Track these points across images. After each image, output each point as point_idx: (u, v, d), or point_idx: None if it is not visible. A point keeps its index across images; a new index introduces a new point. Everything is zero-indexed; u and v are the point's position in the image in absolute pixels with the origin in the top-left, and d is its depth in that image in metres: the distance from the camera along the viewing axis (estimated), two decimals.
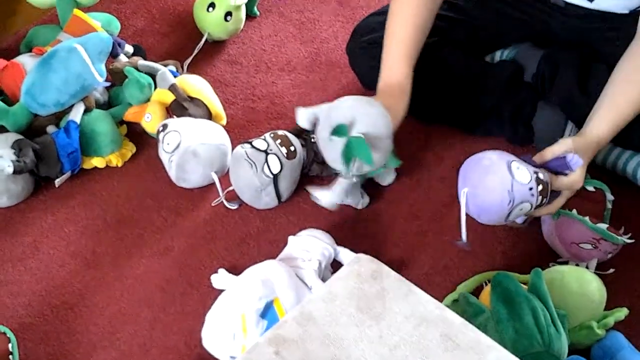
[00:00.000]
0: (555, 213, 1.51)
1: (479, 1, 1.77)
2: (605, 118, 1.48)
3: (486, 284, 1.47)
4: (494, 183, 1.39)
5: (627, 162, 1.67)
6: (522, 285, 1.32)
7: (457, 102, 1.75)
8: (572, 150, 1.43)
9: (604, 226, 1.50)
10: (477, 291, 1.46)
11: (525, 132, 1.71)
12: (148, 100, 1.76)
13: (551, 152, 1.45)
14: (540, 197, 1.41)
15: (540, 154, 1.46)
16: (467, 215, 1.43)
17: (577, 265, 1.52)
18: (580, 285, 1.40)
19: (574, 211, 1.51)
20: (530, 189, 1.39)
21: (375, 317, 1.04)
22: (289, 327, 1.03)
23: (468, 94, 1.74)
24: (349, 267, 1.10)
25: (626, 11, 1.63)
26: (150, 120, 1.71)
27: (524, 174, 1.39)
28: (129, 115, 1.75)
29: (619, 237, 1.50)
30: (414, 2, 1.60)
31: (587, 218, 1.50)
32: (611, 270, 1.53)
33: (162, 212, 1.67)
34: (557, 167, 1.45)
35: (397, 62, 1.59)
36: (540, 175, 1.41)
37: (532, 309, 1.27)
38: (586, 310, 1.39)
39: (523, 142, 1.74)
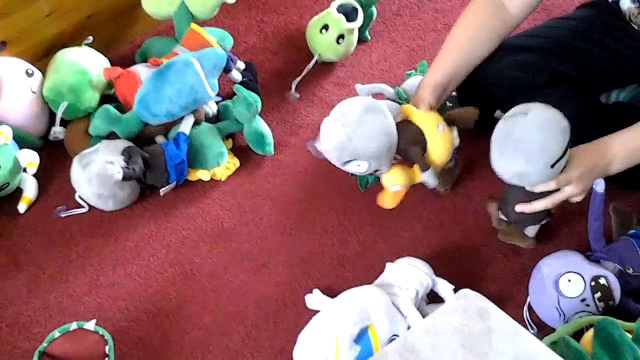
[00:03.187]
0: None
1: (586, 37, 1.73)
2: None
3: (587, 329, 1.43)
4: (542, 300, 1.50)
5: None
6: (626, 333, 1.27)
7: None
8: None
9: None
10: (576, 335, 1.42)
11: (636, 180, 1.65)
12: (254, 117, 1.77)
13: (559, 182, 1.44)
14: (600, 303, 1.46)
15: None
16: None
17: None
18: None
19: None
20: (583, 299, 1.45)
21: (480, 356, 1.02)
22: (391, 358, 1.02)
23: (577, 134, 1.70)
24: (455, 302, 1.09)
25: None
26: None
27: (575, 287, 1.46)
28: None
29: None
30: (481, 20, 1.60)
31: None
32: None
33: (261, 228, 1.68)
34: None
35: (437, 73, 1.60)
36: (602, 281, 1.45)
37: (635, 358, 1.22)
38: None
39: (632, 188, 1.69)
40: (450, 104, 1.78)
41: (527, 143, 1.35)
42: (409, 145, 1.51)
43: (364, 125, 1.42)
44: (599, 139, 1.48)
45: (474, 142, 1.62)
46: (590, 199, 1.48)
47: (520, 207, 1.49)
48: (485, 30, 1.64)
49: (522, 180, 1.42)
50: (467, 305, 1.07)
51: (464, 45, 1.63)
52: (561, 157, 1.37)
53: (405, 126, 1.52)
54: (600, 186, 1.45)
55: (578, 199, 1.48)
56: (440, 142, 1.54)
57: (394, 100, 1.76)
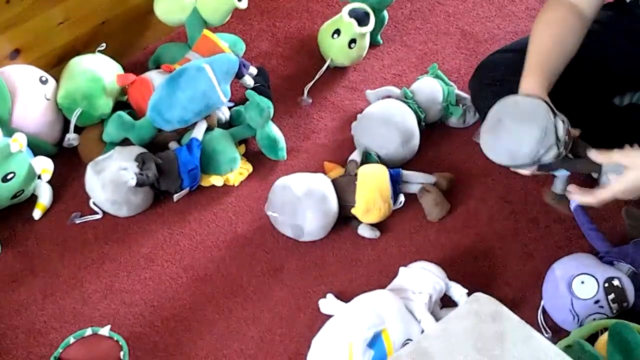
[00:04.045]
0: None
1: (603, 40, 1.72)
2: None
3: (602, 333, 1.43)
4: (556, 302, 1.49)
5: None
6: None
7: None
8: None
9: None
10: (591, 339, 1.41)
11: None
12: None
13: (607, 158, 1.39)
14: (614, 305, 1.45)
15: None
16: None
17: None
18: None
19: None
20: (597, 301, 1.44)
21: (493, 359, 1.01)
22: None
23: (589, 137, 1.69)
24: (468, 306, 1.09)
25: None
26: None
27: (588, 289, 1.45)
28: None
29: None
30: (562, 22, 1.57)
31: None
32: None
33: (275, 233, 1.68)
34: None
35: (536, 78, 1.52)
36: (615, 282, 1.45)
37: None
38: None
39: None
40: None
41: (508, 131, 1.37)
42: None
43: None
44: None
45: None
46: (574, 215, 1.54)
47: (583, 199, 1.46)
48: (566, 28, 1.61)
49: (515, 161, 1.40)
50: (479, 309, 1.07)
51: (553, 43, 1.57)
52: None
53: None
54: (572, 204, 1.52)
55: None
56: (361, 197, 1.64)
57: (401, 100, 1.78)
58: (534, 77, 1.51)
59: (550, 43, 1.56)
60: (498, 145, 1.39)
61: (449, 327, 1.07)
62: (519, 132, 1.36)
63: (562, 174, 1.47)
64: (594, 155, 1.40)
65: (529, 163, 1.38)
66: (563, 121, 1.38)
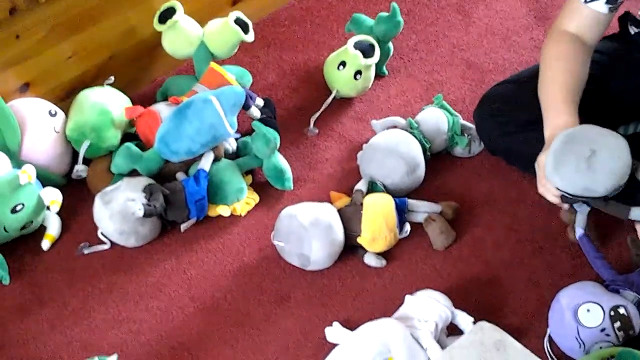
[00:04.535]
0: None
1: (608, 70, 1.73)
2: None
3: None
4: (562, 331, 1.49)
5: None
6: None
7: None
8: None
9: None
10: None
11: None
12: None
13: None
14: (620, 333, 1.45)
15: None
16: None
17: None
18: None
19: None
20: (603, 329, 1.44)
21: None
22: None
23: None
24: (472, 335, 1.09)
25: None
26: None
27: (594, 317, 1.45)
28: None
29: None
30: (570, 54, 1.59)
31: None
32: None
33: (281, 262, 1.69)
34: None
35: (565, 107, 1.54)
36: (621, 310, 1.45)
37: None
38: None
39: None
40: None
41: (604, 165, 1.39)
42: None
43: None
44: None
45: (496, 175, 1.60)
46: (579, 243, 1.55)
47: None
48: (576, 60, 1.61)
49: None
50: (483, 338, 1.08)
51: (569, 77, 1.59)
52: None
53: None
54: (578, 232, 1.53)
55: None
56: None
57: (407, 130, 1.79)
58: (563, 113, 1.53)
59: (564, 77, 1.58)
60: (578, 174, 1.40)
61: (454, 356, 1.07)
62: (607, 164, 1.39)
63: (584, 208, 1.51)
64: None
65: (600, 196, 1.41)
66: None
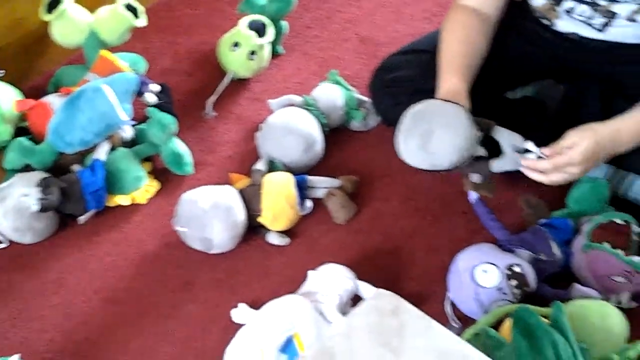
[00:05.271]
0: (586, 246, 1.54)
1: (503, 38, 1.77)
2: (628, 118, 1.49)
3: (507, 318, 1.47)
4: (461, 293, 1.53)
5: None
6: (543, 319, 1.31)
7: None
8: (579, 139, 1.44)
9: (637, 259, 1.52)
10: (498, 325, 1.45)
11: None
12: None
13: (559, 147, 1.46)
14: (517, 291, 1.49)
15: (553, 148, 1.47)
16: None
17: (608, 298, 1.52)
18: (601, 318, 1.41)
19: (606, 244, 1.53)
20: (500, 288, 1.48)
21: (394, 352, 1.04)
22: None
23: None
24: (369, 302, 1.11)
25: (639, 41, 1.63)
26: None
27: (490, 277, 1.49)
28: None
29: None
30: (468, 25, 1.62)
31: (619, 251, 1.52)
32: (633, 305, 1.51)
33: (185, 248, 1.68)
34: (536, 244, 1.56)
35: (454, 76, 1.57)
36: (516, 269, 1.49)
37: (552, 343, 1.26)
38: (607, 343, 1.38)
39: None
40: None
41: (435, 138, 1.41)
42: None
43: None
44: (605, 122, 1.49)
45: (393, 147, 1.60)
46: (473, 207, 1.61)
47: (536, 177, 1.49)
48: (472, 30, 1.63)
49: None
50: (380, 304, 1.10)
51: (462, 46, 1.62)
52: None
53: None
54: (471, 196, 1.62)
55: (577, 176, 1.50)
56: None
57: (303, 108, 1.80)
58: (452, 78, 1.56)
59: (459, 46, 1.61)
60: (421, 152, 1.43)
61: (352, 324, 1.09)
62: (446, 141, 1.41)
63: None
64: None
65: (448, 169, 1.44)
66: (475, 120, 1.44)
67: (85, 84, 1.77)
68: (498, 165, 1.49)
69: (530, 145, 1.47)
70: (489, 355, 1.05)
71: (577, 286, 1.54)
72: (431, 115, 1.44)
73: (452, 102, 1.45)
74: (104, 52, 1.85)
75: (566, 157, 1.45)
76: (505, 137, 1.50)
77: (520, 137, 1.50)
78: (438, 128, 1.42)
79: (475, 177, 1.53)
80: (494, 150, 1.51)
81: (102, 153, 1.71)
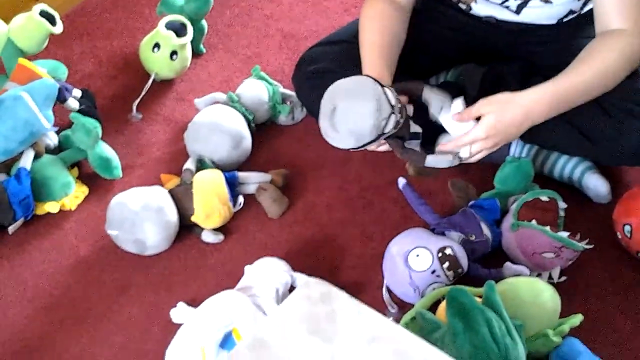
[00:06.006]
0: (514, 224, 1.57)
1: (423, 25, 1.79)
2: (540, 87, 1.50)
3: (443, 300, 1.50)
4: (396, 278, 1.55)
5: (572, 170, 1.71)
6: (476, 298, 1.34)
7: None
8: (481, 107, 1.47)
9: (564, 234, 1.55)
10: (435, 308, 1.48)
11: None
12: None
13: (467, 114, 1.49)
14: (449, 272, 1.52)
15: (460, 115, 1.50)
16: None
17: (539, 275, 1.56)
18: (533, 294, 1.43)
19: (534, 221, 1.57)
20: (433, 271, 1.51)
21: (327, 339, 1.05)
22: (242, 356, 1.04)
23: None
24: (299, 291, 1.12)
25: (554, 21, 1.67)
26: None
27: (423, 260, 1.52)
28: None
29: (580, 244, 1.55)
30: (384, 14, 1.64)
31: (547, 227, 1.56)
32: (563, 279, 1.56)
33: (118, 251, 1.67)
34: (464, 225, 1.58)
35: (377, 64, 1.58)
36: (447, 251, 1.52)
37: (487, 321, 1.28)
38: (541, 318, 1.41)
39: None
40: None
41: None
42: None
43: None
44: (508, 94, 1.50)
45: (321, 138, 1.61)
46: (403, 193, 1.64)
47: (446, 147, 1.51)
48: (388, 19, 1.65)
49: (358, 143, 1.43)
50: (310, 293, 1.10)
51: (380, 35, 1.63)
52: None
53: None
54: (400, 182, 1.66)
55: (488, 151, 1.52)
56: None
57: (228, 105, 1.81)
58: (375, 67, 1.56)
59: (378, 36, 1.63)
60: (339, 130, 1.41)
61: (283, 314, 1.10)
62: (355, 110, 1.39)
63: (412, 145, 1.53)
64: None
65: (375, 137, 1.40)
66: (390, 90, 1.43)
67: (4, 92, 1.75)
68: (433, 161, 1.50)
69: (459, 103, 1.50)
70: (426, 338, 1.06)
71: (509, 265, 1.57)
72: (340, 93, 1.42)
73: (359, 76, 1.44)
74: (22, 61, 1.83)
75: (471, 135, 1.48)
76: (434, 97, 1.51)
77: (448, 97, 1.52)
78: (340, 102, 1.40)
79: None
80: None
81: (27, 161, 1.69)
